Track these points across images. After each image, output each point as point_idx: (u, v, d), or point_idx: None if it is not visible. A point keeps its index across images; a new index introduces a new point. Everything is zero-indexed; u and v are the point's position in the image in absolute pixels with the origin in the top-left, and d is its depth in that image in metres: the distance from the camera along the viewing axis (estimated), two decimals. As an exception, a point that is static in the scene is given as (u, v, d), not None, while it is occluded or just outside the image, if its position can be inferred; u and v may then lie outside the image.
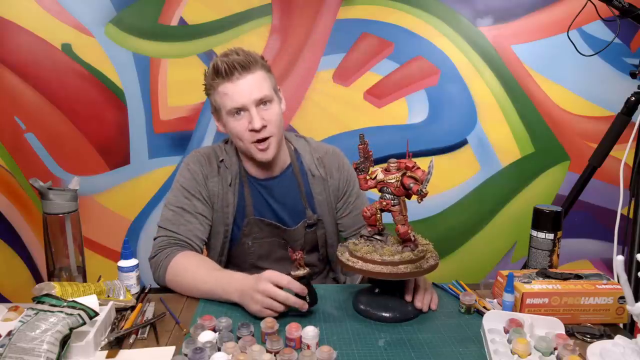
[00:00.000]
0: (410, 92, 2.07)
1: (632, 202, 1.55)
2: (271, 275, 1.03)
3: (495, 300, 1.14)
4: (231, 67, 1.21)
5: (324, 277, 1.49)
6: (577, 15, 1.54)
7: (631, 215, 1.54)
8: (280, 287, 1.03)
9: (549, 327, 0.97)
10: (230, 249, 1.38)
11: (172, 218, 1.28)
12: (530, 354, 0.90)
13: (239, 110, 1.24)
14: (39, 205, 1.76)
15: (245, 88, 1.22)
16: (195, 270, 1.17)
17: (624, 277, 0.85)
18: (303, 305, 1.04)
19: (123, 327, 0.99)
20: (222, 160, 1.34)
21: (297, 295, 1.04)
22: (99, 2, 1.93)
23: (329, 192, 1.41)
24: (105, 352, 0.91)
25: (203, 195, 1.32)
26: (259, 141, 1.25)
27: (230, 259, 1.40)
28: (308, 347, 0.92)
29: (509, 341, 0.94)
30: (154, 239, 1.28)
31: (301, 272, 1.04)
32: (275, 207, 1.37)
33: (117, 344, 0.94)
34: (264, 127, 1.24)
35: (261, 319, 0.99)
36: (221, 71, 1.22)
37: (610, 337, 0.98)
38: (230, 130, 1.28)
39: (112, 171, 2.06)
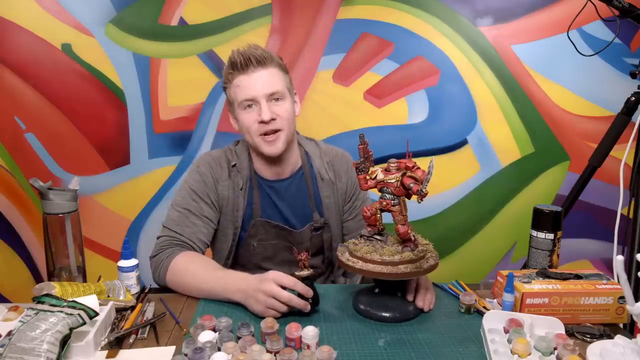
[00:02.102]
0: (410, 92, 2.07)
1: (632, 202, 1.55)
2: (275, 275, 1.03)
3: (495, 300, 1.14)
4: (247, 61, 1.24)
5: (324, 279, 1.49)
6: (577, 15, 1.54)
7: (631, 215, 1.54)
8: (284, 288, 1.03)
9: (549, 327, 0.97)
10: (235, 250, 1.38)
11: (177, 219, 1.28)
12: (530, 354, 0.90)
13: (250, 103, 1.26)
14: (39, 205, 1.76)
15: (258, 81, 1.25)
16: (196, 269, 1.17)
17: (624, 277, 0.85)
18: (306, 307, 1.05)
19: (123, 327, 0.99)
20: (234, 165, 1.35)
21: (300, 296, 1.04)
22: (99, 2, 1.93)
23: (337, 195, 1.41)
24: (105, 352, 0.91)
25: (211, 198, 1.32)
26: (267, 134, 1.26)
27: (235, 260, 1.40)
28: (308, 347, 0.92)
29: (509, 341, 0.94)
30: (157, 238, 1.28)
31: (305, 272, 1.04)
32: (283, 210, 1.37)
33: (117, 344, 0.94)
34: (273, 120, 1.25)
35: (262, 318, 0.99)
36: (237, 64, 1.25)
37: (610, 337, 0.98)
38: (241, 123, 1.30)
39: (112, 171, 2.06)
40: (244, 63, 1.24)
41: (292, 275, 1.04)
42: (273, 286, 1.02)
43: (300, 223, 1.38)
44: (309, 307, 1.05)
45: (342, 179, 1.42)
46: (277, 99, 1.27)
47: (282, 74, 1.30)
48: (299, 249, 1.36)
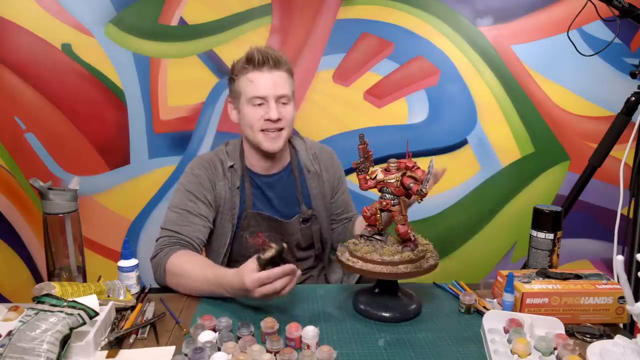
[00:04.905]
0: (410, 92, 2.07)
1: (632, 202, 1.55)
2: (253, 280, 1.00)
3: (495, 300, 1.14)
4: (265, 59, 1.29)
5: (318, 273, 1.50)
6: (577, 15, 1.54)
7: (631, 215, 1.54)
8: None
9: (549, 327, 0.98)
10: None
11: (175, 219, 1.29)
12: (530, 354, 0.90)
13: (260, 102, 1.31)
14: (39, 205, 1.76)
15: (271, 81, 1.30)
16: (190, 269, 1.17)
17: (624, 277, 0.85)
18: (296, 276, 1.03)
19: (123, 327, 0.99)
20: (232, 166, 1.37)
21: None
22: (99, 2, 1.93)
23: (323, 187, 1.46)
24: (105, 352, 0.91)
25: (208, 199, 1.34)
26: (270, 130, 1.31)
27: (229, 254, 1.40)
28: (308, 347, 0.92)
29: (509, 341, 0.94)
30: (156, 240, 1.29)
31: (270, 252, 1.00)
32: (272, 202, 1.40)
33: (117, 344, 0.94)
34: (279, 120, 1.31)
35: (262, 318, 0.99)
36: (254, 60, 1.29)
37: (610, 337, 0.98)
38: (244, 116, 1.34)
39: (112, 171, 2.06)
40: (261, 61, 1.29)
41: (258, 259, 1.01)
42: (264, 288, 1.00)
43: (289, 215, 1.41)
44: (299, 272, 1.03)
45: (328, 171, 1.48)
46: (283, 102, 1.33)
47: (290, 79, 1.36)
48: (291, 241, 1.39)
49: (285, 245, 1.04)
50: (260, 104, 1.30)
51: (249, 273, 1.01)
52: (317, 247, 1.47)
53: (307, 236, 1.44)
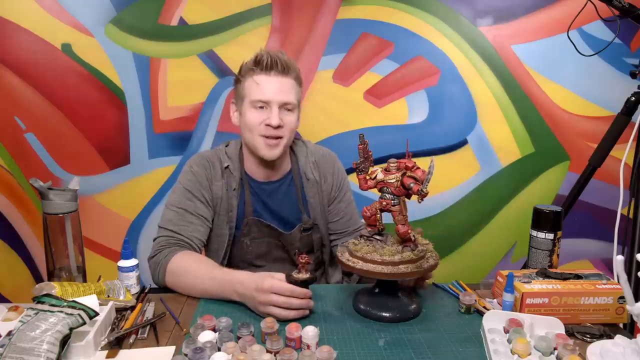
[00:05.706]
0: (410, 92, 2.07)
1: (632, 202, 1.55)
2: (272, 285, 1.02)
3: (495, 300, 1.14)
4: (273, 63, 1.27)
5: (318, 279, 1.50)
6: (577, 15, 1.55)
7: (631, 215, 1.54)
8: None
9: (549, 327, 0.97)
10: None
11: (173, 218, 1.28)
12: (530, 354, 0.90)
13: (262, 105, 1.28)
14: (39, 205, 1.76)
15: (277, 86, 1.27)
16: (193, 270, 1.16)
17: (624, 277, 0.85)
18: (308, 304, 1.05)
19: (123, 327, 0.99)
20: (227, 167, 1.36)
21: None
22: (99, 2, 1.93)
23: (322, 195, 1.43)
24: (105, 352, 0.91)
25: (206, 197, 1.33)
26: (270, 137, 1.28)
27: (229, 259, 1.40)
28: (308, 347, 0.92)
29: (509, 341, 0.94)
30: (154, 240, 1.28)
31: (303, 276, 1.03)
32: (273, 211, 1.38)
33: (117, 344, 0.94)
34: (280, 127, 1.28)
35: (262, 318, 0.99)
36: (262, 62, 1.27)
37: (610, 337, 0.98)
38: (245, 119, 1.31)
39: (112, 171, 2.06)
40: (269, 64, 1.27)
41: (289, 276, 1.04)
42: (271, 297, 1.01)
43: (290, 224, 1.39)
44: (312, 304, 1.05)
45: (327, 180, 1.44)
46: (287, 109, 1.30)
47: (298, 87, 1.33)
48: (291, 249, 1.38)
49: (316, 277, 1.06)
50: (262, 108, 1.28)
51: (273, 277, 1.03)
52: (316, 254, 1.45)
53: (307, 244, 1.42)
